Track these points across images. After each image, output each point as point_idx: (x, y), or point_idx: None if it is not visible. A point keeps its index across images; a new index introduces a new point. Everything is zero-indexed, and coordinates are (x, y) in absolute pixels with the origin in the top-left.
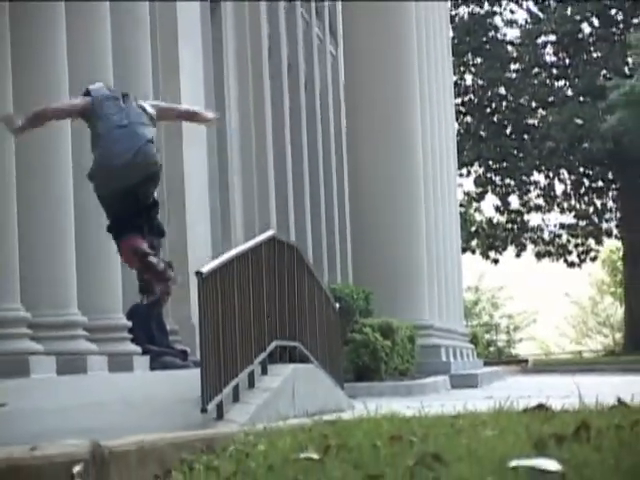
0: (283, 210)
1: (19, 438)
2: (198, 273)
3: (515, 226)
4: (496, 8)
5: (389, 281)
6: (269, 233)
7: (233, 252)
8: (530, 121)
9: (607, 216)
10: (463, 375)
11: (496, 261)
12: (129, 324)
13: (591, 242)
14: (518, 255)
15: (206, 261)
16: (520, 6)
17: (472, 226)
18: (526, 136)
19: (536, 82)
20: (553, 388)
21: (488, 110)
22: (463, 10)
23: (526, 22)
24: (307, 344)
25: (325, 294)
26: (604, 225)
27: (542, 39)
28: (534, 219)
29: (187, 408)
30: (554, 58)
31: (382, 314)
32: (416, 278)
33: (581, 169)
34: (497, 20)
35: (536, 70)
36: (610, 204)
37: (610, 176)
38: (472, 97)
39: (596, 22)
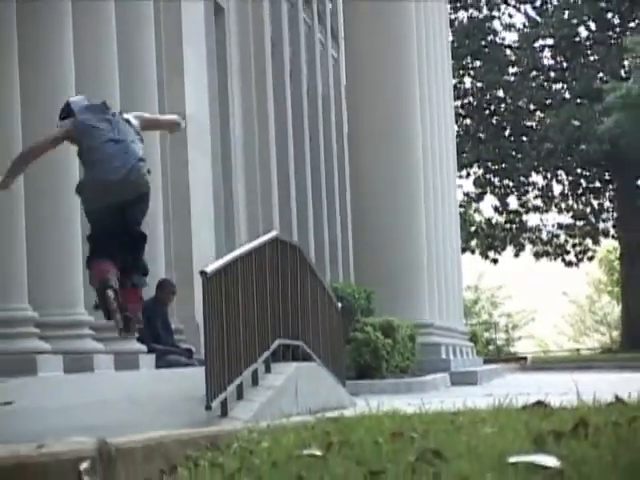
0: (286, 211)
1: (26, 435)
2: (202, 273)
3: (514, 226)
4: (495, 12)
5: (390, 281)
6: (272, 234)
7: (237, 252)
8: (528, 123)
9: (604, 216)
10: (463, 373)
11: (495, 261)
12: None
13: (588, 242)
14: (517, 255)
15: (210, 261)
16: (518, 10)
17: (471, 226)
18: (524, 138)
19: (534, 85)
20: (551, 385)
21: (487, 112)
22: (462, 14)
23: (524, 26)
24: (310, 343)
25: (327, 293)
26: (601, 225)
27: (540, 43)
28: (532, 219)
29: (192, 406)
30: (552, 61)
31: (383, 313)
32: (416, 278)
33: (578, 170)
34: (496, 24)
35: (534, 73)
36: (607, 204)
37: (607, 177)
38: (471, 99)
39: (593, 26)
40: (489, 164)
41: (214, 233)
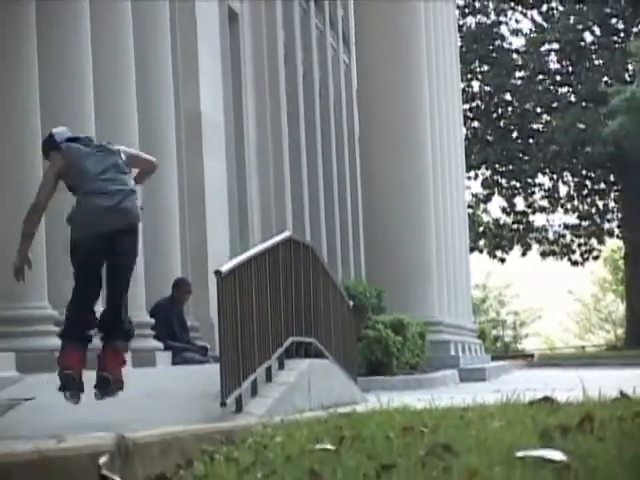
0: (299, 213)
1: (47, 430)
2: (217, 272)
3: (521, 226)
4: (502, 18)
5: (400, 279)
6: (285, 234)
7: (251, 252)
8: (535, 126)
9: (609, 217)
10: (471, 369)
11: (503, 260)
12: (152, 321)
13: (594, 242)
14: (524, 254)
15: (225, 261)
16: (525, 16)
17: (479, 226)
18: (531, 140)
19: (540, 88)
20: (558, 381)
21: (494, 115)
22: (470, 20)
23: (531, 31)
24: (322, 340)
25: (339, 292)
26: (606, 225)
27: (546, 47)
28: (539, 220)
29: (207, 402)
30: (558, 65)
31: (394, 311)
32: (426, 277)
33: (584, 172)
34: (503, 29)
35: (540, 77)
36: (612, 205)
37: (612, 178)
38: (479, 103)
39: (598, 31)
40: (497, 166)
41: (228, 233)
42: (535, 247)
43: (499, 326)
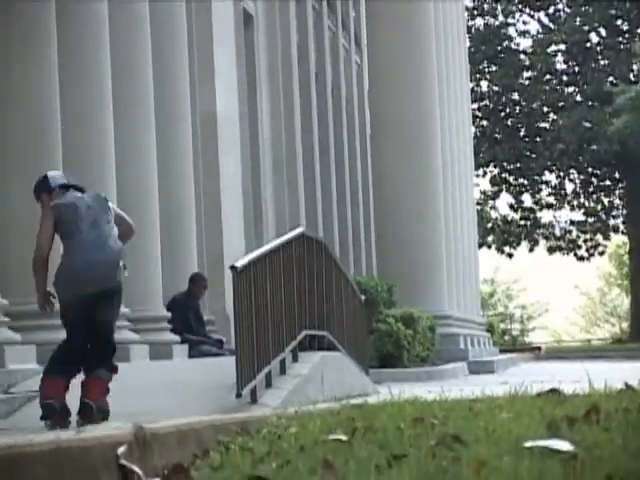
0: (312, 209)
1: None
2: (233, 267)
3: (528, 223)
4: (510, 19)
5: (411, 274)
6: (299, 230)
7: (265, 248)
8: (542, 124)
9: (614, 213)
10: (480, 362)
11: (510, 255)
12: (169, 315)
13: (599, 237)
14: (531, 250)
15: (240, 256)
16: (532, 17)
17: (488, 223)
18: (538, 138)
19: (547, 88)
20: (564, 374)
21: (502, 114)
22: (479, 21)
23: (538, 32)
24: (335, 333)
25: (351, 287)
26: (611, 221)
27: (553, 48)
28: (546, 216)
29: (223, 393)
30: (564, 66)
31: (404, 305)
32: (436, 271)
33: (590, 169)
34: (511, 30)
35: (547, 77)
36: (617, 202)
37: (617, 176)
38: (487, 102)
39: (603, 32)
40: (504, 164)
41: (243, 229)
42: (542, 243)
43: (507, 320)
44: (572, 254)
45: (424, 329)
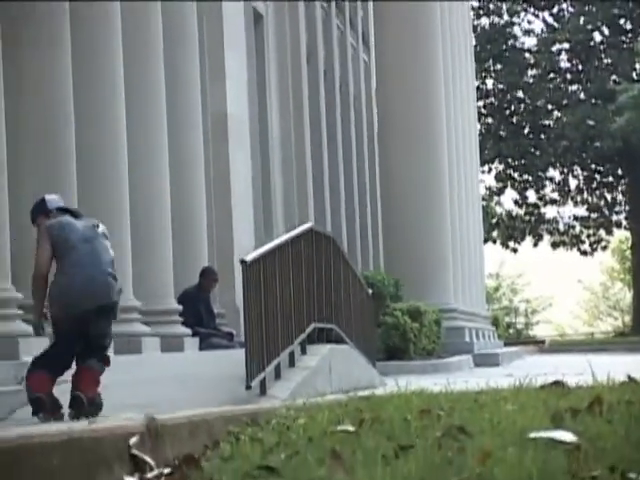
0: (320, 205)
1: None
2: (242, 261)
3: (532, 218)
4: (515, 19)
5: (417, 269)
6: (307, 225)
7: (275, 242)
8: (546, 122)
9: (617, 209)
10: (485, 354)
11: (515, 250)
12: (180, 308)
13: (602, 233)
14: (535, 245)
15: (250, 251)
16: (537, 17)
17: (493, 218)
18: (542, 135)
19: (551, 86)
20: (568, 366)
21: (507, 112)
22: (484, 20)
23: (542, 31)
24: (342, 326)
25: (359, 281)
26: (614, 217)
27: (557, 47)
28: (550, 212)
29: (233, 385)
30: (568, 64)
31: (411, 299)
32: (442, 266)
33: (593, 166)
34: (516, 29)
35: (551, 75)
36: (620, 198)
37: (619, 172)
38: (493, 100)
39: (606, 31)
40: (509, 160)
41: (253, 224)
42: (546, 238)
43: (512, 313)
44: (575, 249)
45: (430, 322)
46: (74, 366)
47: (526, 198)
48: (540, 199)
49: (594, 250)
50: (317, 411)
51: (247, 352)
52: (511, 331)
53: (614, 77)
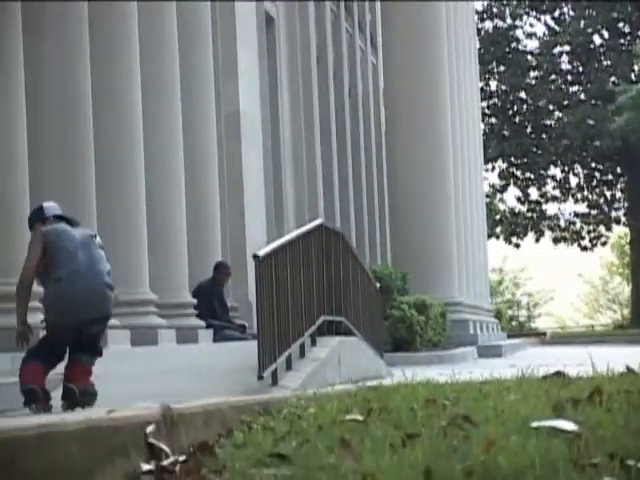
0: (330, 202)
1: (99, 401)
2: (255, 256)
3: (534, 215)
4: (517, 22)
5: (423, 263)
6: (318, 221)
7: (286, 238)
8: (547, 122)
9: (616, 206)
10: (489, 346)
11: (518, 246)
12: (194, 301)
13: (602, 229)
14: (537, 240)
15: (262, 246)
16: (539, 20)
17: (496, 215)
18: (544, 135)
19: (553, 87)
20: (569, 358)
21: (510, 112)
22: (488, 24)
23: (544, 34)
24: (351, 319)
25: (367, 275)
26: (613, 214)
27: (558, 49)
28: (551, 208)
29: (246, 375)
30: (569, 66)
31: (417, 292)
32: (447, 261)
33: (593, 164)
34: (518, 33)
35: (553, 77)
36: (619, 195)
37: (619, 170)
38: (496, 101)
39: (606, 34)
40: (512, 159)
41: (265, 220)
42: (548, 234)
43: (514, 306)
44: (576, 244)
45: (436, 315)
46: (66, 358)
47: (528, 195)
48: (542, 196)
49: (594, 245)
50: (327, 401)
51: (259, 344)
52: (514, 323)
53: (613, 78)
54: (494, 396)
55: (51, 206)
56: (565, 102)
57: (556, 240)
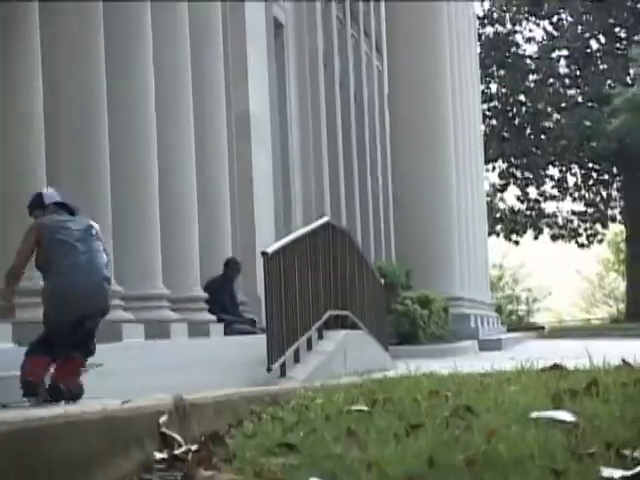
0: (336, 201)
1: (114, 392)
2: (264, 253)
3: (533, 213)
4: (517, 27)
5: (426, 260)
6: (324, 219)
7: (294, 235)
8: (546, 123)
9: (612, 204)
10: (489, 340)
11: (517, 243)
12: (206, 296)
13: (598, 226)
14: (536, 237)
15: (270, 243)
16: (537, 26)
17: (497, 213)
18: (542, 136)
19: (551, 90)
20: (566, 351)
21: (510, 114)
22: (489, 29)
23: (542, 39)
24: (357, 313)
25: (372, 271)
26: (609, 212)
27: (556, 53)
28: (549, 207)
29: (255, 368)
30: (566, 70)
31: (420, 288)
32: (449, 257)
33: (590, 164)
34: (518, 38)
35: (551, 80)
36: (615, 194)
37: (614, 170)
38: (496, 103)
39: (602, 39)
40: (512, 159)
41: (274, 218)
42: (546, 231)
43: (514, 301)
44: (573, 241)
45: (438, 310)
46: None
47: (527, 194)
48: (540, 195)
49: (591, 242)
50: (333, 392)
51: (268, 337)
52: (513, 318)
53: (609, 82)
54: (495, 388)
55: (51, 193)
56: (563, 104)
57: (554, 237)
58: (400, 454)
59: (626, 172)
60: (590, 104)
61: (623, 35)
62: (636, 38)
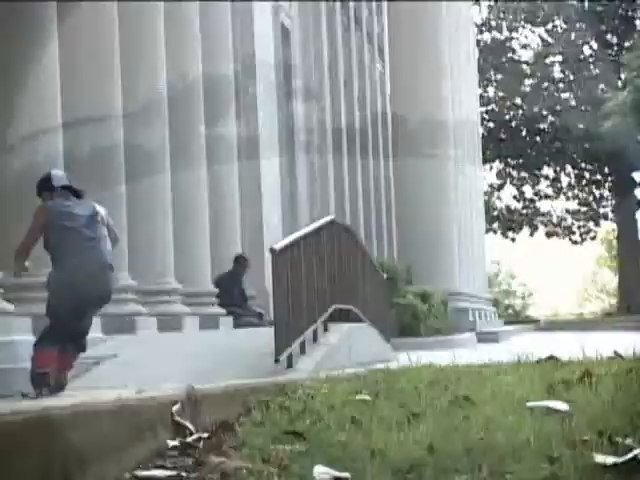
0: (340, 200)
1: (128, 382)
2: (272, 249)
3: (529, 211)
4: (514, 34)
5: (427, 256)
6: (329, 217)
7: (300, 232)
8: (541, 126)
9: (604, 203)
10: (487, 332)
11: (513, 240)
12: (216, 290)
13: (591, 224)
14: (531, 235)
15: (278, 240)
16: (533, 32)
17: (494, 211)
18: (538, 138)
19: (546, 94)
20: (561, 343)
21: (507, 117)
22: (487, 35)
23: (538, 45)
24: (360, 307)
25: (374, 267)
26: (602, 210)
27: (551, 59)
28: (544, 205)
29: (263, 359)
30: (561, 74)
31: (421, 283)
32: (448, 254)
33: (583, 164)
34: (514, 44)
35: (546, 84)
36: (607, 193)
37: (606, 170)
38: (494, 106)
39: (595, 45)
40: (508, 159)
41: (281, 216)
42: (541, 229)
43: (510, 296)
44: (567, 239)
45: (438, 304)
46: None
47: (523, 193)
48: (536, 194)
49: (584, 240)
50: (338, 382)
51: (275, 330)
52: (510, 311)
53: (602, 86)
54: (492, 378)
55: (60, 176)
56: (557, 108)
57: (549, 235)
58: (402, 441)
59: (617, 172)
60: (583, 107)
61: (615, 41)
62: (627, 44)
